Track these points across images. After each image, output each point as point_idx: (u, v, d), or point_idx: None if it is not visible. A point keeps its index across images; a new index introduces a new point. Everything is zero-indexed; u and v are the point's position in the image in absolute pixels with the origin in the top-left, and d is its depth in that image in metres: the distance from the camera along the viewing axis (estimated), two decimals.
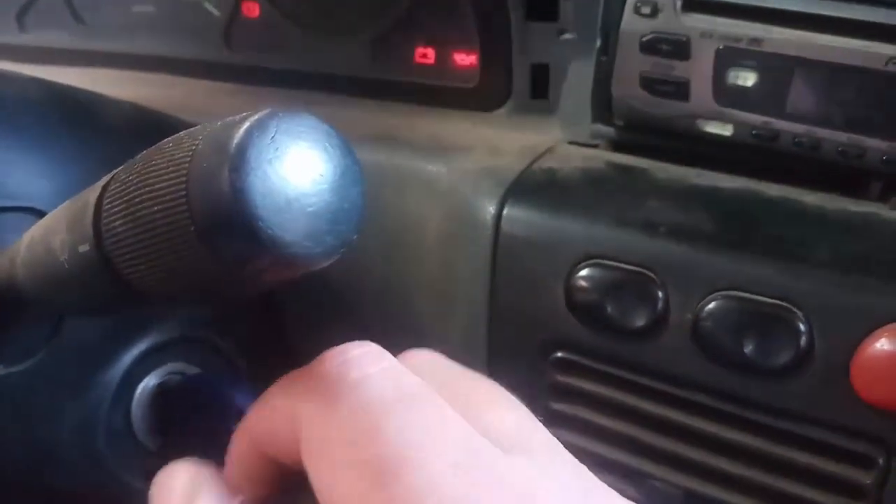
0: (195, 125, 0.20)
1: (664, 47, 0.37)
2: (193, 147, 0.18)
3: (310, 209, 0.18)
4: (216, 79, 0.57)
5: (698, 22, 0.37)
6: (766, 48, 0.36)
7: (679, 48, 0.37)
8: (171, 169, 0.18)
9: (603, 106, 0.42)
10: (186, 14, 0.58)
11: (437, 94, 0.51)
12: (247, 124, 0.18)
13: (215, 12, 0.57)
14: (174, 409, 0.41)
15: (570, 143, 0.46)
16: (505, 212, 0.40)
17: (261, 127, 0.18)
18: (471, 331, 0.41)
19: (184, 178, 0.18)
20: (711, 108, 0.38)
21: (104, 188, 0.21)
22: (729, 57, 0.36)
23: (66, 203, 0.24)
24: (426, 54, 0.52)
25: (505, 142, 0.46)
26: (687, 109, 0.38)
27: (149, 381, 0.42)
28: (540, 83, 0.48)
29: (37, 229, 0.26)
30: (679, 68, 0.37)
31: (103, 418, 0.38)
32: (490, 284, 0.40)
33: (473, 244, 0.41)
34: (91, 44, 0.62)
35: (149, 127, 0.44)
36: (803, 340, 0.33)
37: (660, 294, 0.35)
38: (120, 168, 0.21)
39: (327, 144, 0.19)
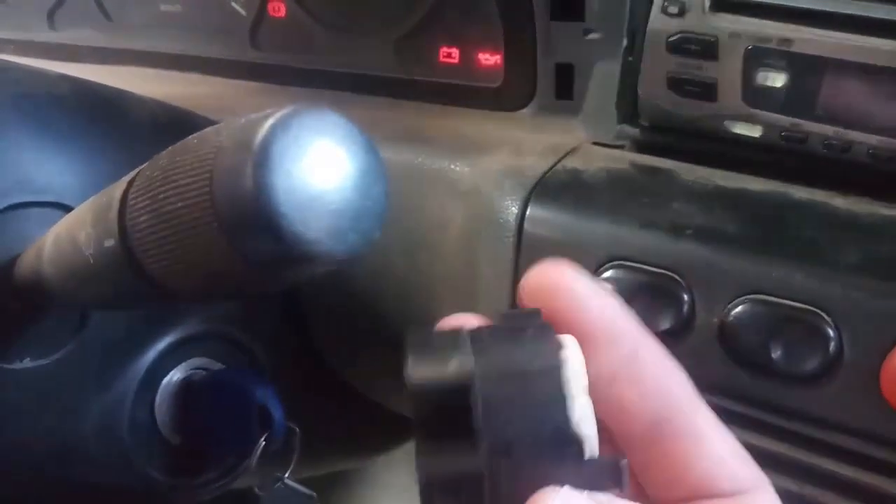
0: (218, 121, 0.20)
1: (692, 47, 0.37)
2: (218, 143, 0.18)
3: (333, 207, 0.18)
4: (242, 78, 0.57)
5: (727, 22, 0.36)
6: (796, 49, 0.35)
7: (707, 48, 0.36)
8: (195, 165, 0.19)
9: (628, 106, 0.42)
10: (213, 13, 0.58)
11: (461, 93, 0.51)
12: (271, 121, 0.18)
13: (242, 12, 0.57)
14: (197, 404, 0.42)
15: (595, 143, 0.45)
16: (528, 212, 0.40)
17: (284, 124, 0.18)
18: None
19: (208, 175, 0.18)
20: (740, 109, 0.37)
21: (129, 184, 0.21)
22: (758, 57, 0.36)
23: (92, 198, 0.24)
24: (451, 54, 0.52)
25: (529, 142, 0.46)
26: (714, 110, 0.38)
27: (173, 376, 0.42)
28: (565, 83, 0.47)
29: (63, 224, 0.26)
30: (707, 68, 0.37)
31: (127, 412, 0.39)
32: (513, 285, 0.40)
33: (496, 244, 0.41)
34: (119, 42, 0.63)
35: (175, 125, 0.44)
36: (832, 346, 0.32)
37: (686, 297, 0.35)
38: (145, 164, 0.21)
39: (351, 142, 0.19)
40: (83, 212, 0.24)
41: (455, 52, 0.52)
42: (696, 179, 0.39)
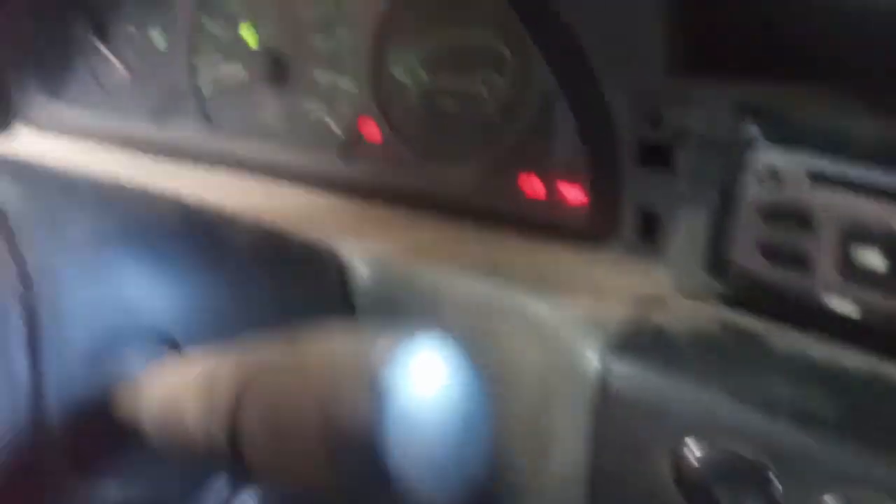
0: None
1: (787, 218, 0.36)
2: (336, 372, 0.19)
3: (440, 450, 0.18)
4: (333, 193, 0.59)
5: (825, 196, 0.36)
6: None
7: (803, 220, 0.36)
8: (312, 391, 0.19)
9: (717, 262, 0.42)
10: (310, 129, 0.61)
11: (543, 226, 0.52)
12: (386, 353, 0.18)
13: (337, 130, 0.60)
14: None
15: (680, 292, 0.45)
16: (609, 367, 0.39)
17: (403, 365, 0.18)
18: (567, 490, 0.40)
19: (323, 403, 0.19)
20: (836, 284, 0.36)
21: (245, 385, 0.22)
22: (856, 236, 0.35)
23: (204, 373, 0.25)
24: (535, 187, 0.53)
25: (611, 285, 0.46)
26: (809, 281, 0.37)
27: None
28: (649, 227, 0.47)
29: (169, 386, 0.27)
30: (802, 240, 0.36)
31: None
32: (590, 443, 0.39)
33: (574, 396, 0.40)
34: (219, 146, 0.66)
35: (272, 250, 0.46)
36: None
37: (775, 483, 0.33)
38: (263, 364, 0.22)
39: (464, 380, 0.19)
40: (192, 385, 0.25)
41: (539, 185, 0.53)
42: (788, 348, 0.38)
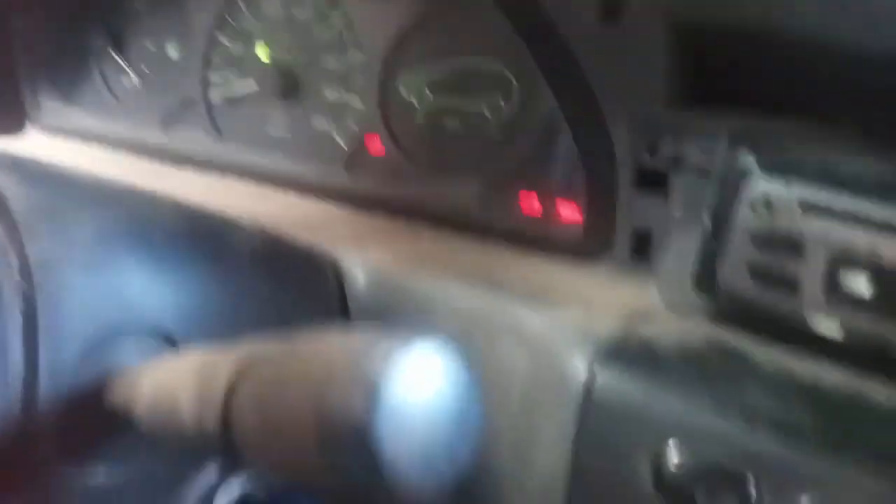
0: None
1: (777, 244, 0.37)
2: (330, 366, 0.20)
3: (430, 445, 0.19)
4: (335, 203, 0.61)
5: (814, 225, 0.36)
6: (886, 264, 0.35)
7: (793, 247, 0.37)
8: (306, 383, 0.20)
9: (706, 281, 0.42)
10: (315, 142, 0.63)
11: (539, 241, 0.53)
12: (383, 356, 0.19)
13: (342, 143, 0.61)
14: None
15: (669, 308, 0.46)
16: (595, 375, 0.40)
17: (396, 360, 0.19)
18: (549, 493, 0.41)
19: (316, 395, 0.20)
20: (822, 309, 0.37)
21: (238, 373, 0.23)
22: (844, 264, 0.36)
23: (199, 364, 0.26)
24: (532, 203, 0.54)
25: (602, 298, 0.47)
26: (796, 305, 0.38)
27: (231, 492, 0.43)
28: (642, 246, 0.48)
29: (164, 376, 0.28)
30: (791, 266, 0.37)
31: None
32: (573, 448, 0.40)
33: (559, 403, 0.41)
34: (226, 155, 0.67)
35: (272, 255, 0.47)
36: None
37: (752, 491, 0.34)
38: (258, 357, 0.23)
39: (458, 383, 0.20)
40: (187, 375, 0.26)
41: (536, 201, 0.54)
42: (770, 363, 0.39)
